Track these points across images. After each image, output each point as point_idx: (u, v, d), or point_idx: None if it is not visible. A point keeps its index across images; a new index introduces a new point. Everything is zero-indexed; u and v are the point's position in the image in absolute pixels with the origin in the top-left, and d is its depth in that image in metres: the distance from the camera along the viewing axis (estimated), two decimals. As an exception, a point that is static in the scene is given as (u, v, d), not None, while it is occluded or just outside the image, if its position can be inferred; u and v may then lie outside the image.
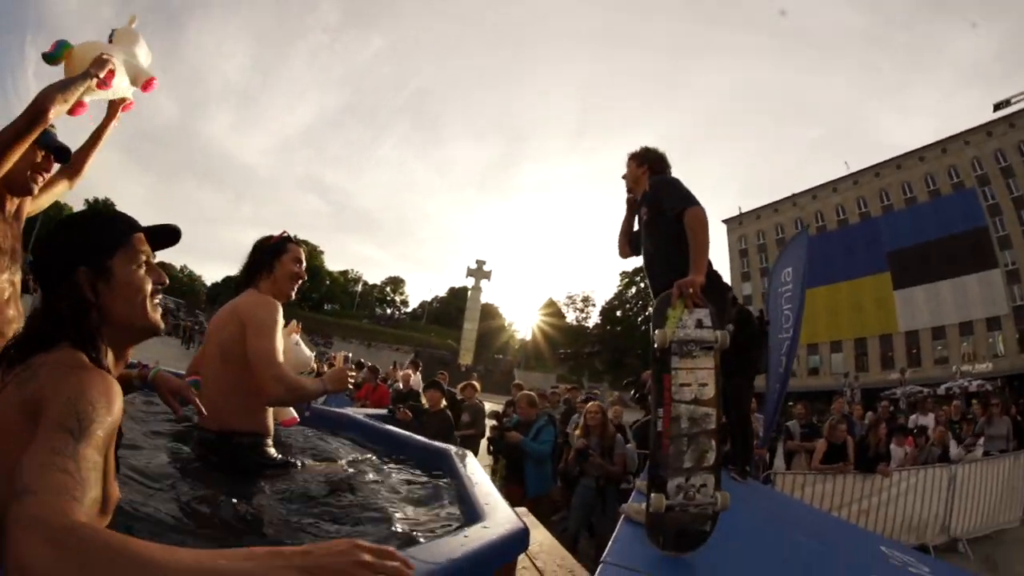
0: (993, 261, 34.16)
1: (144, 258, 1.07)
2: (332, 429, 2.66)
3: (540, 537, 2.15)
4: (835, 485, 5.94)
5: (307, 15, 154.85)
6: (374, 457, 2.26)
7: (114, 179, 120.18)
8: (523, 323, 66.51)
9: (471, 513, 1.55)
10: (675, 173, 2.79)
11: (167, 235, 1.16)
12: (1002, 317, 33.50)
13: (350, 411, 3.48)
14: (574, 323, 66.39)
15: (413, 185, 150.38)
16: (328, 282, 73.72)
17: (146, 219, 1.11)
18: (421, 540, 1.41)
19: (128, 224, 1.09)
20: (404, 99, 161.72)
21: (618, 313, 61.97)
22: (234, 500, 1.52)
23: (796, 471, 6.32)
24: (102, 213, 1.10)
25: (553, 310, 66.88)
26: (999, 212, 34.39)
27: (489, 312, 58.37)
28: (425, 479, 1.99)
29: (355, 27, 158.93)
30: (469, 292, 37.80)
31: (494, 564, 1.31)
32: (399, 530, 1.52)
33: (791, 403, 7.97)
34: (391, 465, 2.19)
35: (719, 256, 48.27)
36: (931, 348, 36.53)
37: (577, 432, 5.20)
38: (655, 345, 2.07)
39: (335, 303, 73.76)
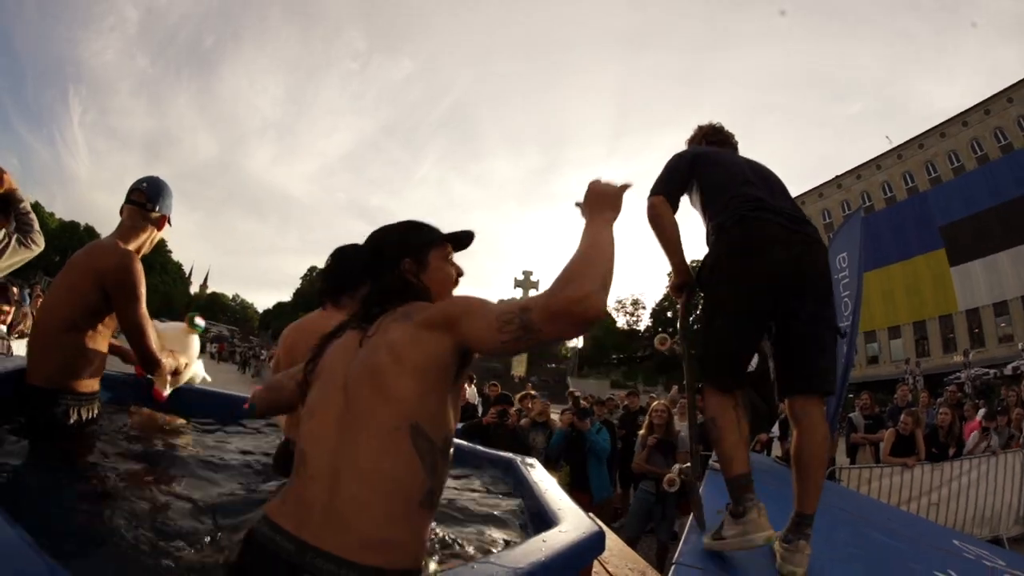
0: (1052, 223, 31.89)
1: (449, 254, 1.39)
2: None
3: (609, 542, 2.17)
4: (903, 478, 5.74)
5: (333, 44, 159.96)
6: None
7: None
8: None
9: (545, 519, 1.59)
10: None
11: (466, 238, 1.43)
12: (1068, 284, 31.39)
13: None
14: (625, 327, 66.13)
15: (454, 201, 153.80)
16: (378, 301, 74.64)
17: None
18: (496, 549, 1.45)
19: (437, 230, 1.40)
20: (439, 116, 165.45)
21: (669, 314, 61.21)
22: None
23: (861, 465, 6.13)
24: (419, 221, 1.40)
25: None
26: (1052, 170, 32.06)
27: (539, 323, 58.39)
28: (495, 491, 2.03)
29: (383, 51, 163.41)
30: None
31: (575, 567, 1.35)
32: (475, 541, 1.56)
33: (851, 394, 7.70)
34: (457, 481, 2.24)
35: None
36: (994, 326, 34.41)
37: (642, 432, 5.22)
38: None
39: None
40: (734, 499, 1.78)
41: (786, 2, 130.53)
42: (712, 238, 2.04)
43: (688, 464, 2.24)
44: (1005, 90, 34.93)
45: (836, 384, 2.10)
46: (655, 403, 5.63)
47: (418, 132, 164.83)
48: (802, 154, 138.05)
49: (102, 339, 1.92)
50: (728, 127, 2.70)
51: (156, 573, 1.24)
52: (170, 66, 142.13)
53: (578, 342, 60.52)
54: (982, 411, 7.35)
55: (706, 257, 2.08)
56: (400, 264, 1.30)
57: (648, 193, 2.20)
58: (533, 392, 7.34)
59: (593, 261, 1.03)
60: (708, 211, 2.12)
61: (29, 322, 7.26)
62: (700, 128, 2.65)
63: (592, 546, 1.43)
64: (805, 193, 46.92)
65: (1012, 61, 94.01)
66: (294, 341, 2.01)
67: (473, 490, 2.05)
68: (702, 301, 2.12)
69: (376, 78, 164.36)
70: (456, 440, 2.79)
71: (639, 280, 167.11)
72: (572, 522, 1.50)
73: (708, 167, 2.20)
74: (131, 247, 2.00)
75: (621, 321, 67.05)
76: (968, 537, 4.00)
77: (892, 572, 2.37)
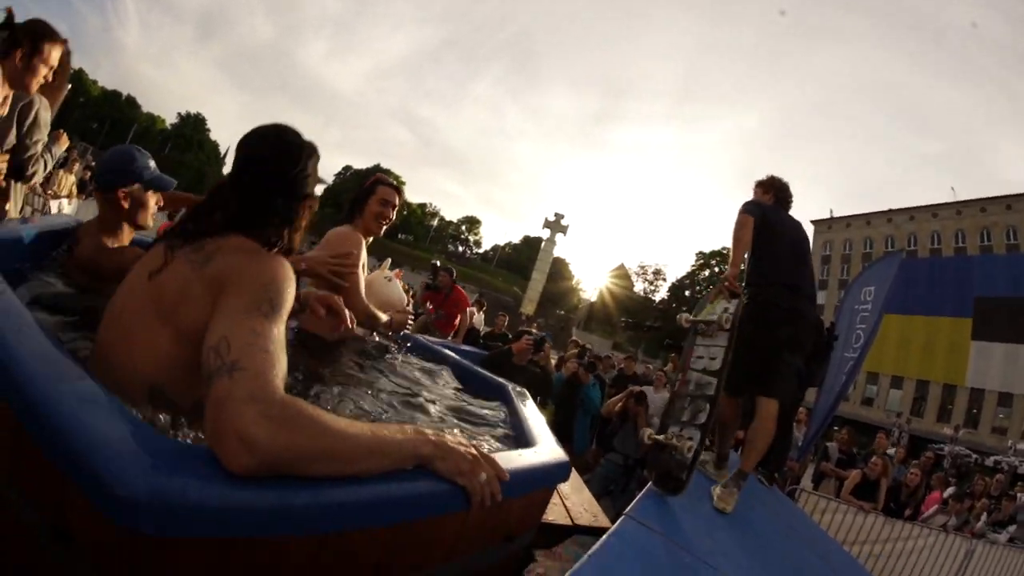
0: (1085, 342, 31.15)
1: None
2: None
3: (573, 482, 2.30)
4: (855, 520, 5.85)
5: None
6: (447, 374, 2.44)
7: (207, 94, 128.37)
8: (591, 284, 66.65)
9: (523, 440, 1.69)
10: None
11: None
12: (1077, 404, 30.93)
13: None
14: (641, 294, 66.55)
15: (504, 128, 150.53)
16: (406, 213, 75.42)
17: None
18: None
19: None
20: (505, 39, 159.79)
21: (687, 293, 61.48)
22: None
23: (822, 494, 6.25)
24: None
25: (622, 275, 66.46)
26: (1103, 286, 31.07)
27: (559, 267, 58.46)
28: (485, 403, 2.14)
29: None
30: (543, 243, 37.60)
31: (542, 483, 1.45)
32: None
33: (836, 427, 7.76)
34: (454, 386, 2.37)
35: None
36: (993, 413, 34.17)
37: (619, 406, 5.37)
38: (695, 321, 2.68)
39: (410, 234, 75.73)
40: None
41: (902, 16, 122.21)
42: (754, 289, 2.93)
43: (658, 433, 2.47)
44: (1086, 185, 33.35)
45: (788, 394, 3.07)
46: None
47: (480, 50, 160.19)
48: (862, 173, 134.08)
49: None
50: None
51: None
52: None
53: (591, 295, 60.63)
54: (951, 489, 7.41)
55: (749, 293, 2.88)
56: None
57: (744, 209, 2.94)
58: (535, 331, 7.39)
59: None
60: (760, 265, 2.99)
61: (65, 183, 7.35)
62: (773, 182, 3.33)
63: (559, 472, 1.53)
64: (853, 216, 45.80)
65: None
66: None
67: (466, 402, 2.15)
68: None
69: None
70: (454, 356, 2.89)
71: (665, 250, 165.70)
72: (546, 448, 1.59)
73: (771, 236, 2.97)
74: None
75: (640, 287, 67.48)
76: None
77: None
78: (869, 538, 5.85)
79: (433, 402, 1.97)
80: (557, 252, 42.38)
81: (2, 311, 1.00)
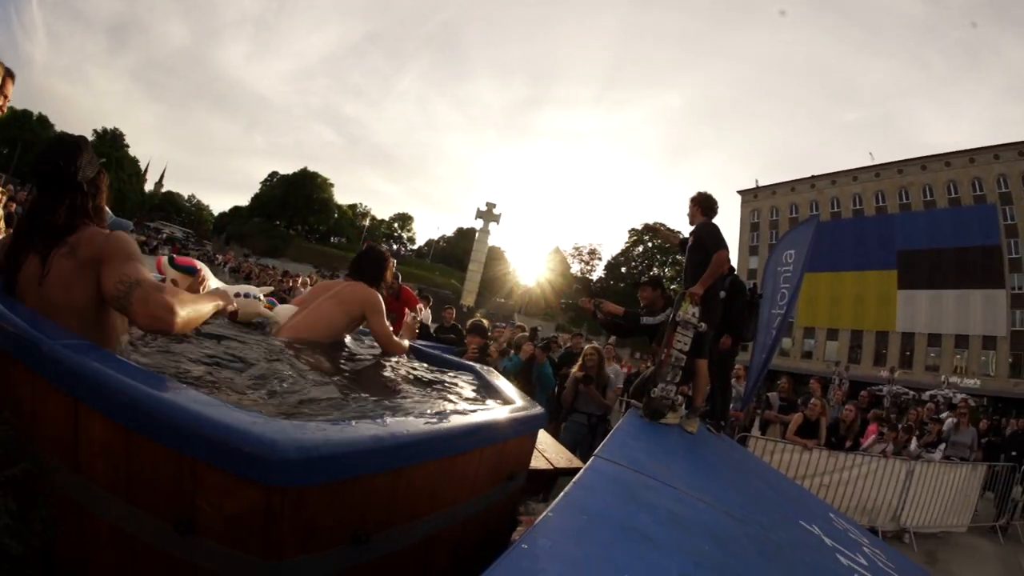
0: (1000, 281, 34.39)
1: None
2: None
3: (545, 439, 2.65)
4: (802, 457, 6.47)
5: None
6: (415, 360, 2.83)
7: (122, 107, 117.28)
8: (528, 270, 67.35)
9: (503, 399, 2.03)
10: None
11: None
12: (999, 339, 34.02)
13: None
14: (578, 274, 67.03)
15: (432, 121, 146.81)
16: (336, 215, 74.34)
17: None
18: (473, 409, 1.87)
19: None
20: (429, 30, 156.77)
21: (623, 269, 62.67)
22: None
23: (769, 437, 6.86)
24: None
25: (558, 259, 67.40)
26: (1015, 234, 34.47)
27: (495, 256, 58.62)
28: (461, 376, 2.47)
29: None
30: (477, 234, 37.75)
31: (528, 428, 1.80)
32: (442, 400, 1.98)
33: (778, 380, 8.45)
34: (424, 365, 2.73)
35: (730, 227, 48.95)
36: (924, 353, 37.11)
37: (575, 369, 5.80)
38: (673, 317, 3.80)
39: (342, 236, 74.10)
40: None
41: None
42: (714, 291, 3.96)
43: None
44: (996, 146, 36.40)
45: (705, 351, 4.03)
46: (587, 347, 6.34)
47: (404, 44, 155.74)
48: (786, 144, 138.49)
49: None
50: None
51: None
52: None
53: (528, 280, 61.62)
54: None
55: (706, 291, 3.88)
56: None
57: (722, 247, 3.95)
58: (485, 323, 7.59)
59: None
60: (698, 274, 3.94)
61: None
62: (706, 200, 4.27)
63: (540, 418, 1.89)
64: (778, 184, 48.22)
65: (1015, 121, 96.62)
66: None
67: (445, 377, 2.46)
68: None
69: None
70: (423, 344, 3.28)
71: (598, 230, 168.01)
72: (526, 403, 1.94)
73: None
74: None
75: (576, 268, 68.03)
76: (845, 515, 4.67)
77: (770, 516, 2.92)
78: (817, 471, 6.49)
79: (418, 379, 2.30)
80: (491, 241, 42.37)
81: (102, 356, 1.26)
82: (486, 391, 2.25)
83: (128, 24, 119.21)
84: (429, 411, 1.58)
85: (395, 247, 78.77)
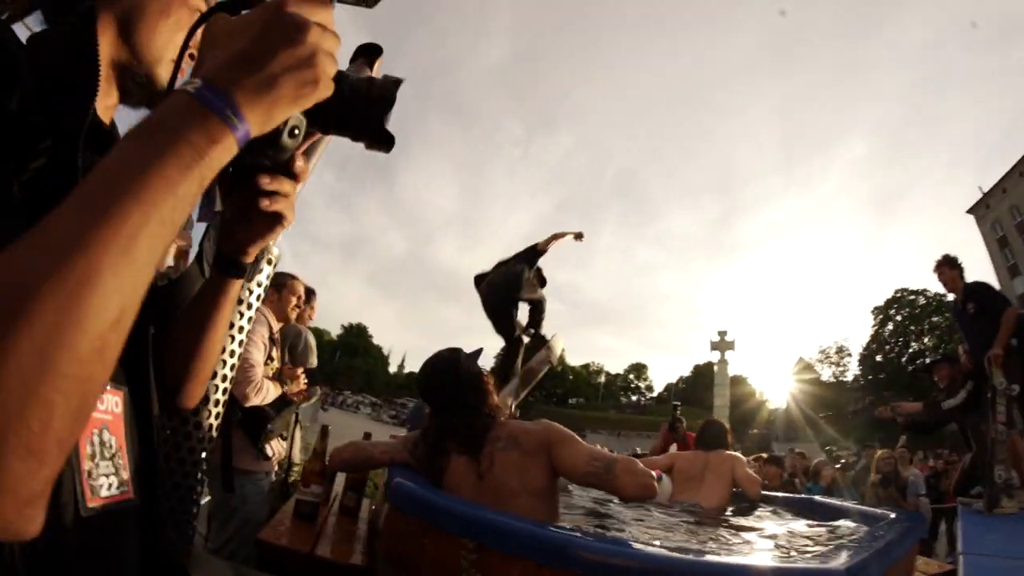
0: None
1: None
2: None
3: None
4: None
5: (493, 136, 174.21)
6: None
7: (364, 308, 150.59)
8: (776, 390, 61.17)
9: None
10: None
11: None
12: None
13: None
14: (832, 379, 59.39)
15: (639, 267, 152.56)
16: (571, 377, 77.21)
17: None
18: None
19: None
20: (608, 183, 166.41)
21: (878, 358, 53.81)
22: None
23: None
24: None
25: (805, 369, 61.04)
26: None
27: (738, 385, 55.00)
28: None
29: (540, 131, 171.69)
30: (715, 367, 36.17)
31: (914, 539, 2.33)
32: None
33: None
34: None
35: (974, 252, 39.55)
36: None
37: (872, 480, 5.85)
38: (992, 385, 3.69)
39: (580, 396, 77.07)
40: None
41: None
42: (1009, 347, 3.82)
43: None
44: None
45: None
46: (879, 452, 6.26)
47: (591, 203, 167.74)
48: (988, 129, 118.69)
49: None
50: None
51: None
52: (354, 179, 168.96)
53: (780, 403, 55.24)
54: None
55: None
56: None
57: (1006, 304, 4.02)
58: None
59: None
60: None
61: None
62: (955, 259, 4.29)
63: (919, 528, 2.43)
64: (1005, 176, 38.92)
65: None
66: None
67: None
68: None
69: (540, 158, 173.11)
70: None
71: (839, 324, 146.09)
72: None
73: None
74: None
75: (826, 374, 60.49)
76: None
77: None
78: None
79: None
80: (731, 371, 40.10)
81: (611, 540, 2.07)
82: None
83: (356, 241, 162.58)
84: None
85: (634, 399, 78.15)
